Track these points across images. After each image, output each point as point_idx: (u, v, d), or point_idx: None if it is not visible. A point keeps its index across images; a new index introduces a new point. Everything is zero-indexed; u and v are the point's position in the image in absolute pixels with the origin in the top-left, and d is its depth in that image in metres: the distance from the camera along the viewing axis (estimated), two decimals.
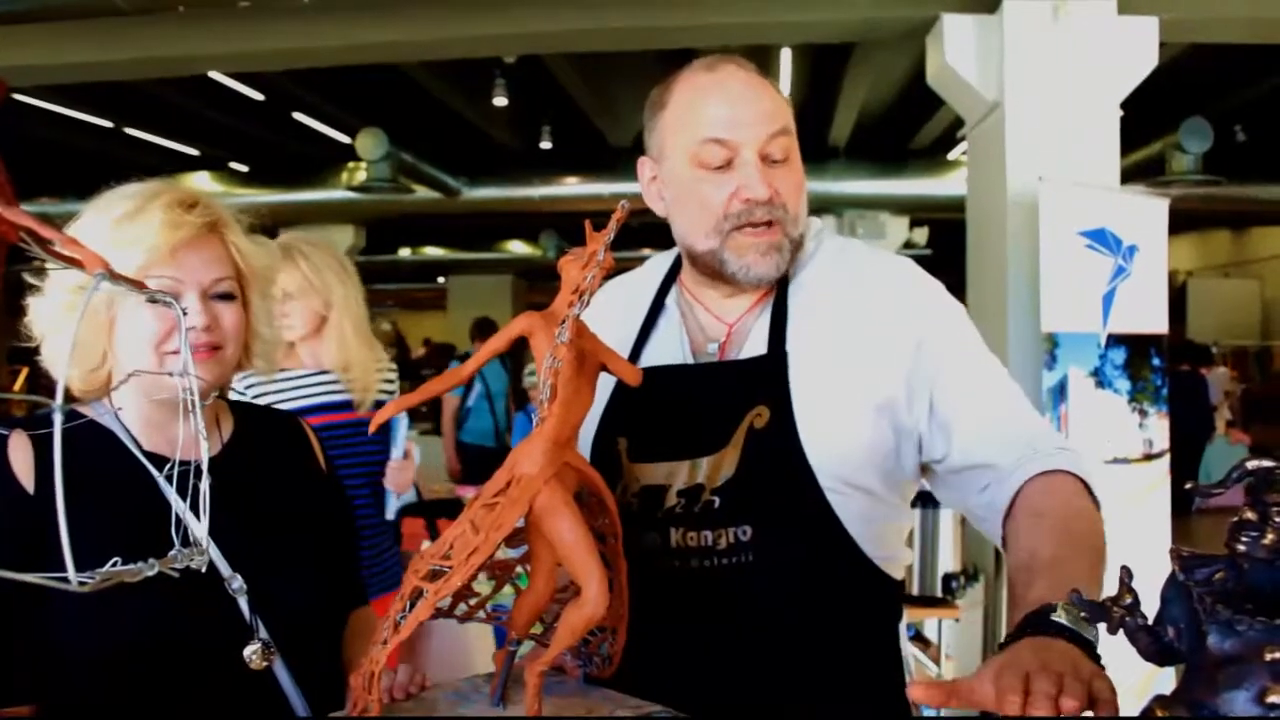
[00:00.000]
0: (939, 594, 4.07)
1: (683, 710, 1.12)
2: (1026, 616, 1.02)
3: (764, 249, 1.41)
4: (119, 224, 1.28)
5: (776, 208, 1.40)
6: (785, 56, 7.44)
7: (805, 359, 1.40)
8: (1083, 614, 0.90)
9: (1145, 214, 4.52)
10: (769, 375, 1.39)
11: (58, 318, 1.30)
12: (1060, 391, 4.20)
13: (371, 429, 1.26)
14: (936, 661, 4.01)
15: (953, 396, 1.39)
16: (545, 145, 10.77)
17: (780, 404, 1.37)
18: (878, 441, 1.39)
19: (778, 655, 1.36)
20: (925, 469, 1.45)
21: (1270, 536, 0.72)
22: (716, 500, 1.36)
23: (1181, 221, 9.46)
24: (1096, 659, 0.95)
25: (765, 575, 1.35)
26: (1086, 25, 4.82)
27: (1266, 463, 0.74)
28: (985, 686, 0.90)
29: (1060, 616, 0.98)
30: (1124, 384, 4.38)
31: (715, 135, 1.39)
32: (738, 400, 1.39)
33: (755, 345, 1.44)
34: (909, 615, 1.54)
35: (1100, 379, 4.33)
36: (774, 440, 1.36)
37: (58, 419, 0.68)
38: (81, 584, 0.68)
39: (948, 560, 4.13)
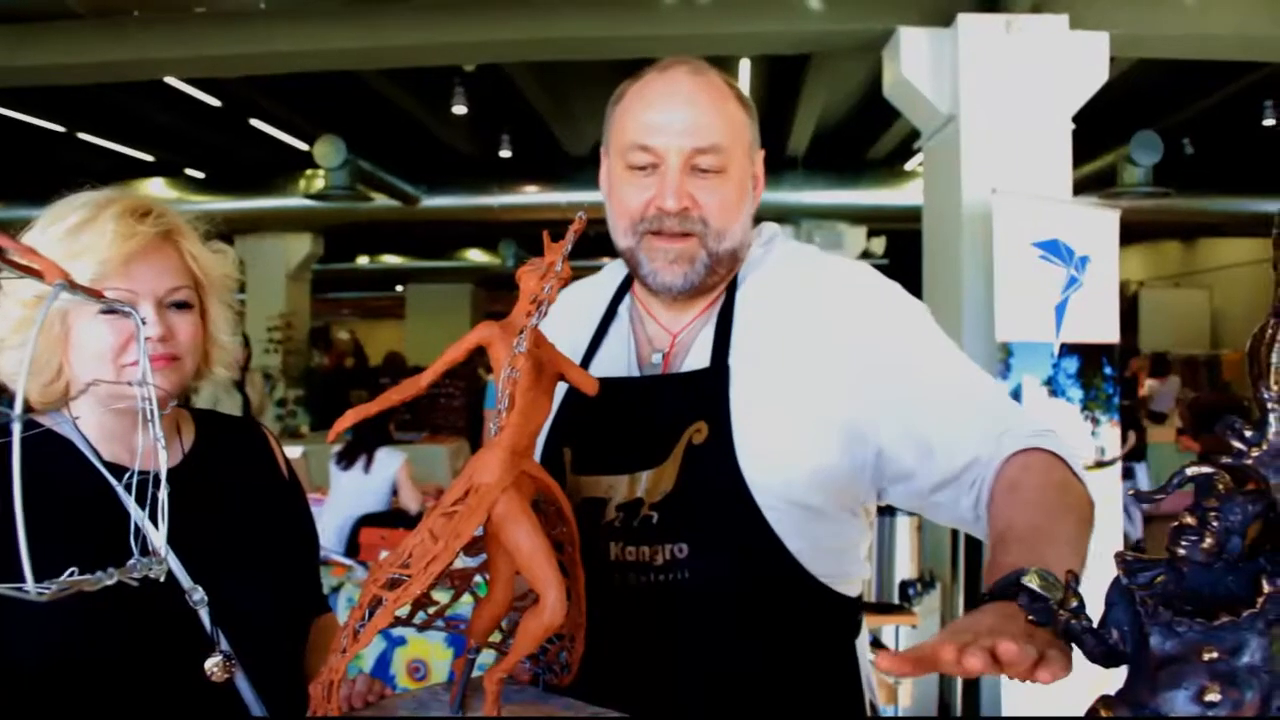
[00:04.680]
0: (896, 601, 4.11)
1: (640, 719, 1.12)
2: (994, 582, 0.97)
3: (672, 257, 1.39)
4: (70, 234, 1.26)
5: (691, 220, 1.38)
6: (744, 67, 7.50)
7: (748, 373, 1.37)
8: (1050, 581, 0.90)
9: (1097, 225, 4.60)
10: (709, 390, 1.36)
11: (11, 331, 1.29)
12: (1015, 400, 4.25)
13: (330, 438, 1.25)
14: None
15: (923, 410, 1.33)
16: (504, 154, 10.77)
17: (719, 420, 1.34)
18: (825, 459, 1.34)
19: (720, 673, 1.33)
20: (906, 492, 1.38)
21: (1208, 540, 0.74)
22: (655, 516, 1.34)
23: (1132, 233, 9.64)
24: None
25: (700, 593, 1.32)
26: (1039, 40, 4.91)
27: (1205, 469, 0.76)
28: (946, 650, 0.85)
29: (1030, 581, 0.92)
30: (1076, 392, 4.45)
31: (642, 140, 1.38)
32: (678, 415, 1.36)
33: (699, 357, 1.41)
34: (866, 622, 1.52)
35: (1053, 387, 4.40)
36: (711, 457, 1.33)
37: (16, 429, 0.68)
38: (40, 593, 0.67)
39: (905, 567, 4.18)
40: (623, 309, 1.53)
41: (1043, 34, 4.91)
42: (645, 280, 1.43)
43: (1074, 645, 0.83)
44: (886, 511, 3.97)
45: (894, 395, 1.34)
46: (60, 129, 9.75)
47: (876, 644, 4.19)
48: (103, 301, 0.78)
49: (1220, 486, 0.74)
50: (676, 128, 1.37)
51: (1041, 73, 4.91)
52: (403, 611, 1.08)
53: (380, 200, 10.16)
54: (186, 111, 9.14)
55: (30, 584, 0.68)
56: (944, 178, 5.22)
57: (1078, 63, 4.96)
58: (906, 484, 1.37)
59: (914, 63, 5.17)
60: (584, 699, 1.16)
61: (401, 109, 9.28)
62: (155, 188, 10.53)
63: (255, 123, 9.87)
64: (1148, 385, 10.63)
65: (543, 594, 1.02)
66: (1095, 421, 4.48)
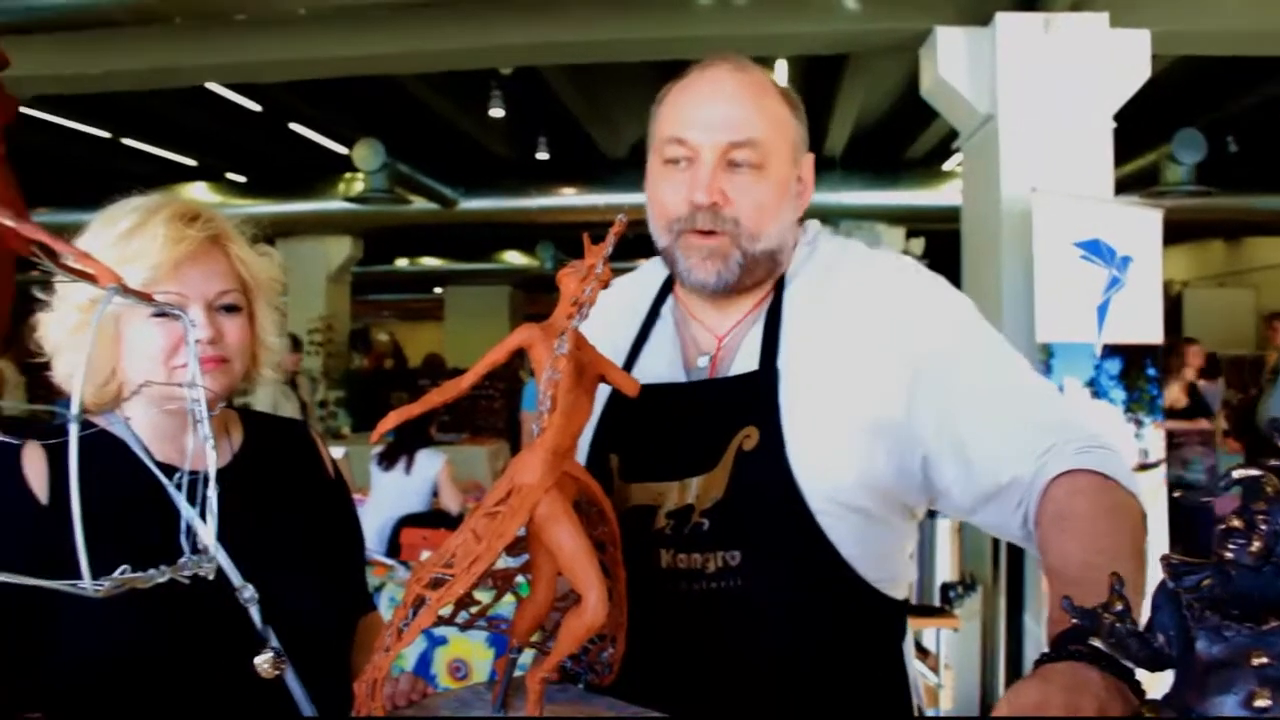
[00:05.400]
0: (937, 604, 4.08)
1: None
2: (1057, 636, 0.93)
3: (705, 254, 1.37)
4: (122, 239, 1.29)
5: (723, 218, 1.35)
6: (781, 68, 7.48)
7: (798, 376, 1.35)
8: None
9: (1139, 225, 4.55)
10: (758, 394, 1.34)
11: (67, 335, 1.32)
12: None
13: (374, 438, 1.27)
14: (935, 671, 4.02)
15: (964, 415, 1.29)
16: (542, 156, 10.80)
17: (770, 425, 1.32)
18: (873, 461, 1.32)
19: (773, 680, 1.32)
20: (949, 507, 1.37)
21: (1256, 543, 0.73)
22: (706, 523, 1.32)
23: (1176, 232, 9.49)
24: (1134, 685, 0.88)
25: (755, 601, 1.31)
26: (1079, 38, 4.86)
27: (1253, 471, 0.75)
28: None
29: (1098, 642, 0.87)
30: (1119, 394, 4.40)
31: (677, 134, 1.37)
32: (727, 420, 1.34)
33: (747, 360, 1.39)
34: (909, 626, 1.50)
35: (1096, 389, 4.35)
36: (762, 463, 1.31)
37: (73, 429, 0.70)
38: (97, 589, 0.69)
39: (946, 570, 4.15)
40: (666, 310, 1.51)
41: (1082, 32, 4.86)
42: (681, 278, 1.42)
43: (1119, 649, 0.83)
44: (927, 514, 3.93)
45: (937, 402, 1.31)
46: (106, 135, 9.90)
47: (918, 647, 4.17)
48: (153, 305, 0.80)
49: (1269, 489, 0.73)
50: (712, 121, 1.35)
51: (1081, 71, 4.85)
52: (445, 611, 1.09)
53: (419, 203, 10.23)
54: (228, 116, 9.25)
55: (87, 580, 0.69)
56: (983, 177, 5.18)
57: (1119, 60, 4.90)
58: (946, 499, 1.35)
59: (951, 62, 5.13)
60: (628, 696, 1.16)
61: (439, 113, 9.34)
62: (198, 192, 10.67)
63: (295, 127, 9.97)
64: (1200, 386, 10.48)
65: (584, 594, 1.03)
66: (1139, 424, 4.43)
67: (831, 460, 1.31)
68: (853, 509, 1.31)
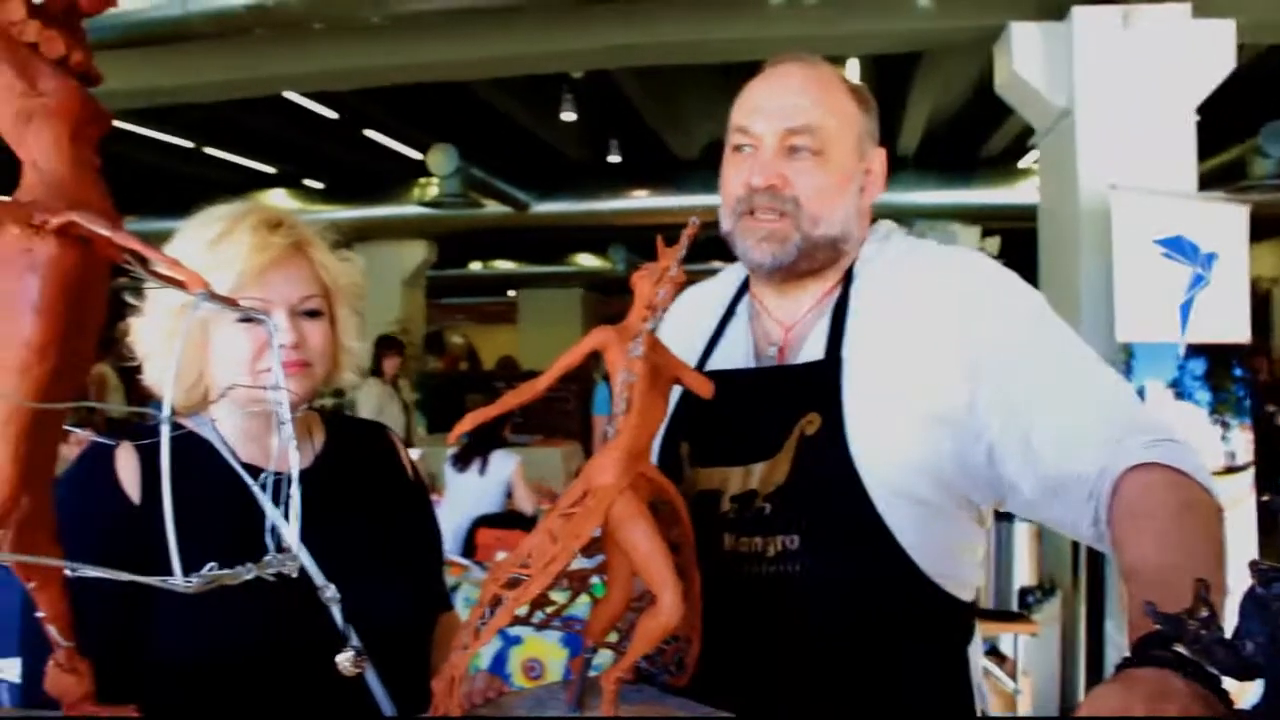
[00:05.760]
0: (1015, 609, 4.02)
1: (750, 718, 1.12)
2: (1138, 641, 0.89)
3: (762, 235, 1.41)
4: (210, 246, 1.33)
5: (782, 199, 1.40)
6: (853, 67, 7.42)
7: (862, 365, 1.36)
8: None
9: (1224, 221, 4.43)
10: (822, 381, 1.37)
11: (158, 340, 1.36)
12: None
13: (451, 439, 1.29)
14: (1013, 677, 3.96)
15: (1031, 406, 1.28)
16: (613, 159, 10.85)
17: (832, 411, 1.34)
18: (936, 453, 1.32)
19: (829, 667, 1.33)
20: (1016, 504, 1.35)
21: None
22: (768, 507, 1.35)
23: (1264, 228, 9.22)
24: (1221, 694, 0.83)
25: (812, 585, 1.33)
26: (1159, 30, 4.74)
27: None
28: None
29: (1181, 648, 0.84)
30: (1204, 395, 4.29)
31: (742, 123, 1.44)
32: (791, 406, 1.38)
33: (813, 349, 1.42)
34: (982, 630, 1.48)
35: (1179, 390, 4.25)
36: (824, 448, 1.33)
37: (165, 430, 0.73)
38: (187, 585, 0.71)
39: (1024, 574, 4.07)
40: (741, 307, 1.56)
41: (1164, 23, 4.74)
42: (741, 260, 1.47)
43: (1204, 656, 0.81)
44: (1005, 517, 3.87)
45: (1003, 393, 1.30)
46: (189, 144, 10.16)
47: (995, 652, 4.11)
48: (239, 310, 0.83)
49: None
50: (772, 109, 1.42)
51: (1162, 63, 4.73)
52: (521, 610, 1.10)
53: (492, 207, 10.32)
54: (305, 124, 9.44)
55: (178, 576, 0.72)
56: (1059, 174, 5.08)
57: (1201, 52, 4.76)
58: (1015, 495, 1.33)
59: (1026, 58, 5.04)
60: (694, 690, 1.17)
61: (512, 117, 9.43)
62: (277, 198, 10.89)
63: (370, 134, 10.13)
64: None
65: (659, 594, 1.03)
66: (1225, 425, 4.31)
67: (891, 447, 1.32)
68: (912, 498, 1.32)
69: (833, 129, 1.41)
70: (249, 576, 0.76)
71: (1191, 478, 1.17)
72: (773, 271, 1.44)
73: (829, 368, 1.38)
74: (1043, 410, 1.28)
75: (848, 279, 1.46)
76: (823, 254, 1.44)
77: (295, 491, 0.90)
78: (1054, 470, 1.25)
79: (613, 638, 1.20)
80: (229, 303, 0.79)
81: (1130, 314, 4.21)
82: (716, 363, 1.50)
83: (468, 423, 1.17)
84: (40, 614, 0.81)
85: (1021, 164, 9.68)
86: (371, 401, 7.59)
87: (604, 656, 1.18)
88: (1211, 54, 4.78)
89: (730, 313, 1.56)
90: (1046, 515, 1.31)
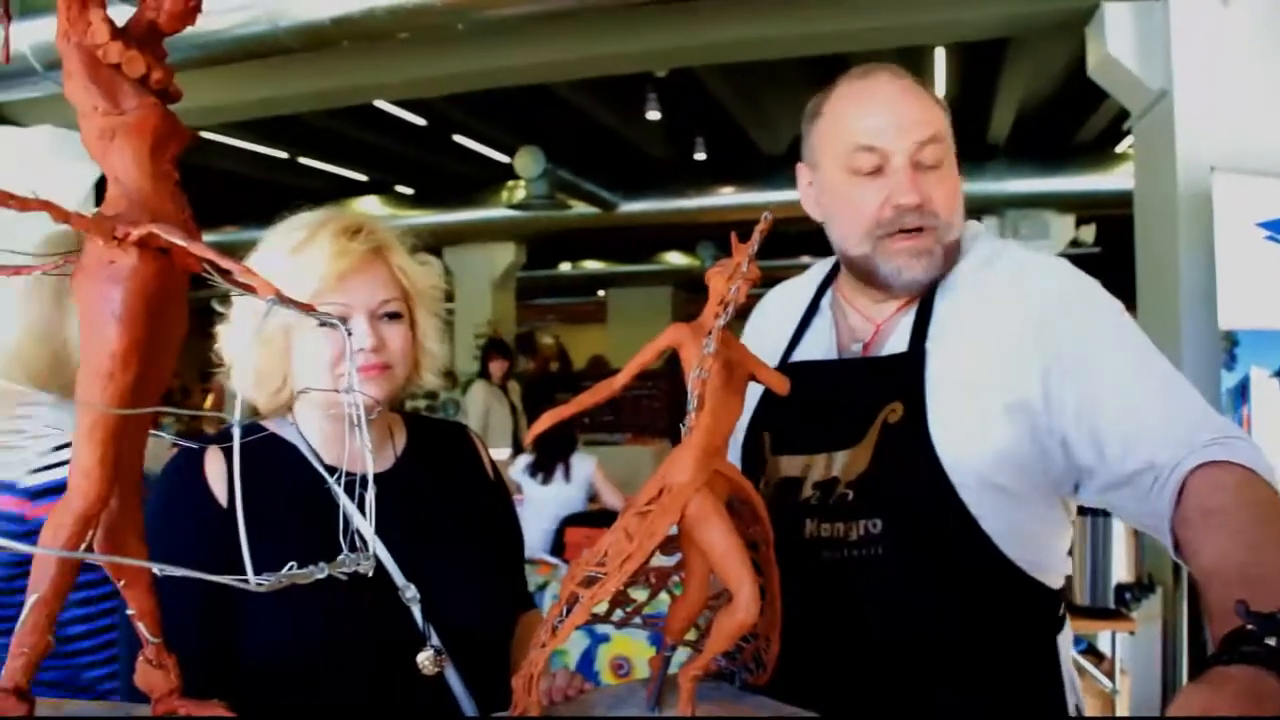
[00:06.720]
0: (1112, 605, 3.90)
1: (831, 713, 1.11)
2: (1226, 638, 0.89)
3: (915, 252, 1.42)
4: (292, 254, 1.37)
5: (927, 214, 1.42)
6: (939, 56, 7.30)
7: (943, 357, 1.39)
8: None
9: None
10: (905, 371, 1.40)
11: (242, 347, 1.40)
12: (1241, 393, 3.98)
13: (527, 441, 1.30)
14: (1110, 676, 3.85)
15: (1100, 398, 1.31)
16: (699, 156, 10.83)
17: (914, 399, 1.37)
18: (1014, 441, 1.34)
19: (914, 654, 1.34)
20: (1088, 491, 1.37)
21: None
22: (850, 494, 1.38)
23: None
24: None
25: (896, 568, 1.34)
26: (1262, 6, 4.55)
27: None
28: None
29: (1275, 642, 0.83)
30: None
31: (866, 142, 1.42)
32: (874, 396, 1.40)
33: (897, 343, 1.45)
34: (1078, 627, 1.47)
35: None
36: (905, 436, 1.36)
37: (236, 432, 0.75)
38: (259, 585, 0.74)
39: (1120, 570, 3.96)
40: (825, 303, 1.58)
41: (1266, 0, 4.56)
42: (886, 281, 1.46)
43: None
44: (1101, 512, 3.77)
45: (1075, 388, 1.33)
46: (283, 155, 10.43)
47: (1092, 651, 4.00)
48: (314, 315, 0.85)
49: None
50: (898, 125, 1.41)
51: (1265, 40, 4.54)
52: (601, 608, 1.11)
53: (579, 207, 10.39)
54: (394, 132, 9.62)
55: (251, 576, 0.74)
56: (1157, 158, 4.92)
57: None
58: (1088, 482, 1.35)
59: (1120, 39, 4.89)
60: (774, 689, 1.17)
61: (597, 118, 9.48)
62: (369, 205, 11.10)
63: (458, 139, 10.28)
64: None
65: (736, 592, 1.03)
66: None
67: (972, 435, 1.34)
68: (993, 485, 1.34)
69: (946, 135, 1.45)
70: (321, 575, 0.77)
71: (1260, 476, 1.18)
72: (925, 286, 1.45)
73: (912, 360, 1.40)
74: (1111, 403, 1.31)
75: (932, 279, 1.48)
76: (951, 259, 1.47)
77: (370, 491, 0.92)
78: (1116, 466, 1.29)
79: (693, 635, 1.20)
80: (304, 308, 0.81)
81: (1233, 300, 4.06)
82: (800, 355, 1.53)
83: (545, 422, 1.18)
84: (130, 611, 0.84)
85: (1117, 149, 9.40)
86: (478, 404, 7.71)
87: (684, 654, 1.18)
88: None
89: (814, 308, 1.59)
90: (1116, 503, 1.34)
